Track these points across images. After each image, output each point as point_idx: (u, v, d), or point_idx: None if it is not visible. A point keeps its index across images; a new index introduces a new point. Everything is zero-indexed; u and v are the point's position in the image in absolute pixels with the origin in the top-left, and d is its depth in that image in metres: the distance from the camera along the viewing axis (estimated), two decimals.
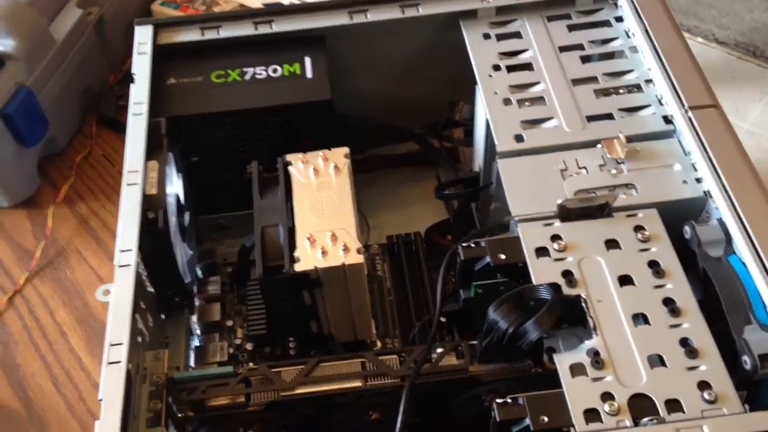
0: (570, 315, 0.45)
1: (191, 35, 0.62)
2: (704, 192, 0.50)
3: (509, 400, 0.43)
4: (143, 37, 0.61)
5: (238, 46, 0.63)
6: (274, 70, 0.61)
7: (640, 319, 0.45)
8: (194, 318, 0.60)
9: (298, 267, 0.50)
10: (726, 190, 0.48)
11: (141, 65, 0.59)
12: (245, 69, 0.61)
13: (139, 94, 0.57)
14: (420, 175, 0.72)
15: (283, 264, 0.50)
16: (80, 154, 0.78)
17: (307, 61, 0.62)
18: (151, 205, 0.52)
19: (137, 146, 0.54)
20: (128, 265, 0.47)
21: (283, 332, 0.57)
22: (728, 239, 0.47)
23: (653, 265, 0.47)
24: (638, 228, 0.48)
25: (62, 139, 0.78)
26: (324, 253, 0.50)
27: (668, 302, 0.45)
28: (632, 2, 0.61)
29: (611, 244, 0.48)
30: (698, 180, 0.51)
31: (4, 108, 0.67)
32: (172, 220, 0.54)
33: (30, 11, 0.72)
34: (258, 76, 0.61)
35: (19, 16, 0.70)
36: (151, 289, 0.53)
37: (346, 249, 0.50)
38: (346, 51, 0.64)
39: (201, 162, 0.62)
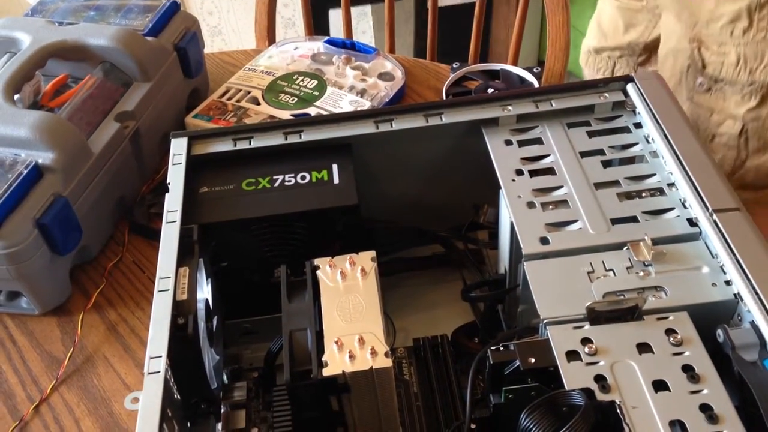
0: (605, 422, 0.44)
1: (224, 146, 0.65)
2: (734, 295, 0.50)
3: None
4: (178, 148, 0.64)
5: (269, 154, 0.65)
6: (303, 177, 0.63)
7: (677, 426, 0.43)
8: (219, 426, 0.59)
9: (326, 371, 0.49)
10: (757, 293, 0.48)
11: (176, 175, 0.62)
12: (275, 176, 0.63)
13: (173, 202, 0.59)
14: (445, 278, 0.72)
15: (311, 369, 0.50)
16: (111, 261, 0.79)
17: (335, 167, 0.64)
18: (181, 310, 0.52)
19: (170, 253, 0.55)
20: (157, 372, 0.47)
21: None
22: (762, 343, 0.46)
23: (687, 369, 0.46)
24: (670, 331, 0.48)
25: (95, 247, 0.79)
26: (351, 357, 0.50)
27: (705, 408, 0.44)
28: (650, 110, 0.62)
29: (643, 347, 0.47)
30: (727, 282, 0.50)
31: (40, 218, 0.69)
32: (201, 325, 0.55)
33: (70, 126, 0.75)
34: (287, 183, 0.63)
35: (60, 131, 0.74)
36: (178, 396, 0.52)
37: (373, 353, 0.50)
38: (372, 157, 0.66)
39: (230, 267, 0.63)
